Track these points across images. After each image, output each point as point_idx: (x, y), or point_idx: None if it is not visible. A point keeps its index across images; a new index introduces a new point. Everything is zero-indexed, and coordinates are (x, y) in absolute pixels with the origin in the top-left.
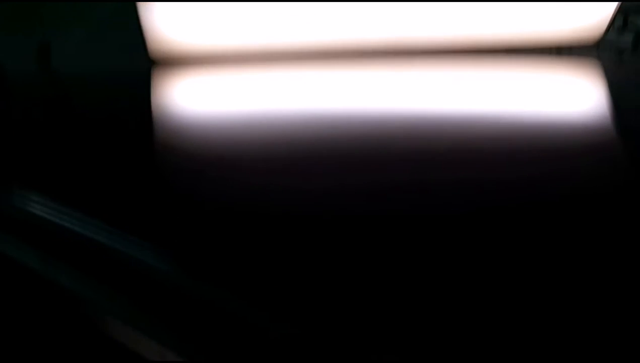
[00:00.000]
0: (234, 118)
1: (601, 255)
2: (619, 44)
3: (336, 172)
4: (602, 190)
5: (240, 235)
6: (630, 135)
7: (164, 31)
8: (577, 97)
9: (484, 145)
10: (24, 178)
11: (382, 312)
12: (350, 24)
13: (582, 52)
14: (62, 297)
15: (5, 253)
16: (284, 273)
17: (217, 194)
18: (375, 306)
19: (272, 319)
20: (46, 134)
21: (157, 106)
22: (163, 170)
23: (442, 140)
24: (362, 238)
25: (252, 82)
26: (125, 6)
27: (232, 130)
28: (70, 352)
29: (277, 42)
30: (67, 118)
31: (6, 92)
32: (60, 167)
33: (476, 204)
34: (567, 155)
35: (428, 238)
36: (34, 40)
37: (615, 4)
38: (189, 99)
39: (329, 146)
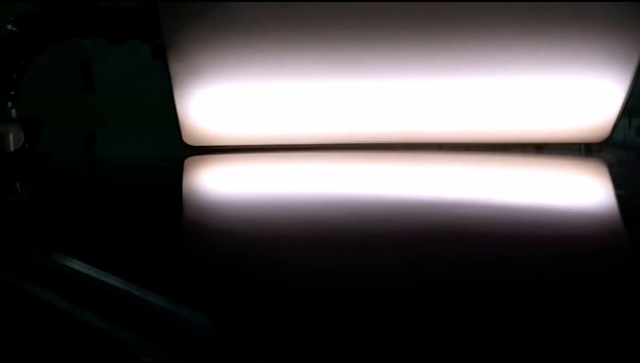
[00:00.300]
0: (258, 199)
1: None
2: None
3: (353, 250)
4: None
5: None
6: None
7: (198, 121)
8: (581, 192)
9: (489, 230)
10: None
11: None
12: (370, 120)
13: (589, 151)
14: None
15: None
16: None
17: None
18: None
19: None
20: (84, 211)
21: (188, 188)
22: (188, 242)
23: (452, 225)
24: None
25: (278, 168)
26: (164, 100)
27: (254, 210)
28: None
29: (301, 133)
30: (106, 197)
31: (54, 177)
32: (100, 236)
33: (478, 280)
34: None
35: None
36: (80, 131)
37: (620, 104)
38: (219, 183)
39: (344, 227)
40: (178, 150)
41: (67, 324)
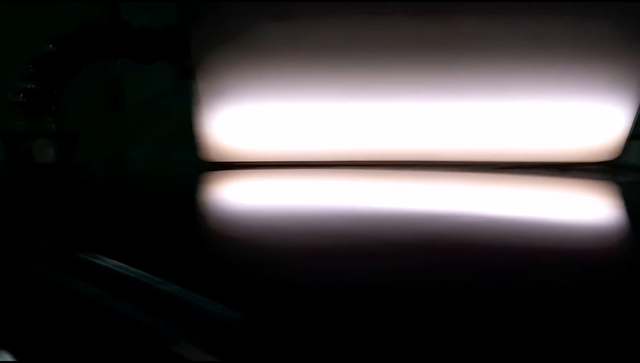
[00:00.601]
0: (273, 211)
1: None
2: None
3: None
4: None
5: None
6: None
7: (219, 138)
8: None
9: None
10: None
11: None
12: (384, 139)
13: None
14: None
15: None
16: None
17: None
18: None
19: None
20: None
21: (207, 201)
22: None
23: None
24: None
25: (294, 183)
26: (188, 119)
27: (269, 222)
28: None
29: (317, 151)
30: (132, 205)
31: (86, 187)
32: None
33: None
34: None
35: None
36: (109, 148)
37: (628, 125)
38: (237, 196)
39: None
40: (198, 163)
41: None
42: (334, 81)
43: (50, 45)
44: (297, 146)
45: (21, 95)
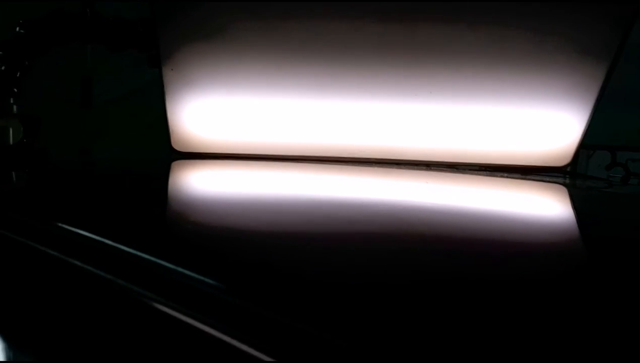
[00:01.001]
0: (233, 198)
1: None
2: (610, 178)
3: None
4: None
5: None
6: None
7: (188, 128)
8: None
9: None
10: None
11: None
12: (347, 136)
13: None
14: None
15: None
16: None
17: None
18: None
19: None
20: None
21: (172, 185)
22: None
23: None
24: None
25: (258, 173)
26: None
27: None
28: None
29: (284, 144)
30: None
31: (50, 167)
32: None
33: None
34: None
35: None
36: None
37: (580, 133)
38: (202, 183)
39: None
40: (167, 154)
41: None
42: (302, 76)
43: (18, 28)
44: (265, 139)
45: None
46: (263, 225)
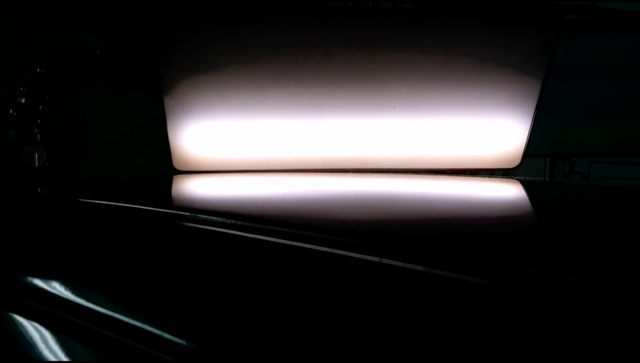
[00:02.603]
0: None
1: None
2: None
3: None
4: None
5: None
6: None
7: (187, 149)
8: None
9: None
10: None
11: None
12: (328, 150)
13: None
14: None
15: None
16: None
17: None
18: None
19: None
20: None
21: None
22: None
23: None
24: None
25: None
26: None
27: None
28: None
29: (276, 159)
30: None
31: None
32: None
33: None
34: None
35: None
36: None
37: (525, 137)
38: (203, 188)
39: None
40: (167, 169)
41: None
42: (285, 100)
43: (39, 69)
44: (256, 155)
45: (11, 110)
46: None
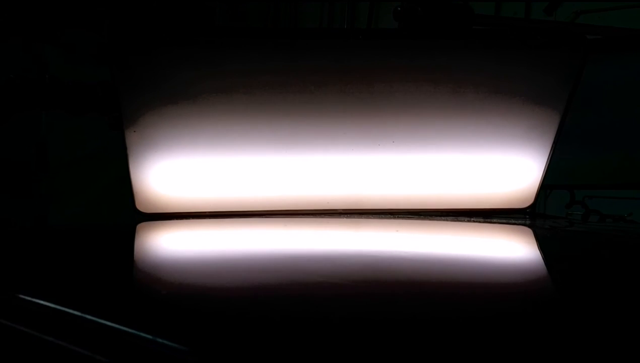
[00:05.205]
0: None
1: None
2: (570, 216)
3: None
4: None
5: None
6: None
7: (152, 188)
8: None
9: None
10: None
11: None
12: (309, 189)
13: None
14: None
15: None
16: None
17: None
18: None
19: None
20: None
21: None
22: None
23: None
24: None
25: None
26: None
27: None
28: None
29: (248, 200)
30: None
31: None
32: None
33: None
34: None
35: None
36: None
37: (539, 176)
38: (169, 244)
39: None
40: (131, 215)
41: None
42: (264, 133)
43: None
44: (231, 195)
45: None
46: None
